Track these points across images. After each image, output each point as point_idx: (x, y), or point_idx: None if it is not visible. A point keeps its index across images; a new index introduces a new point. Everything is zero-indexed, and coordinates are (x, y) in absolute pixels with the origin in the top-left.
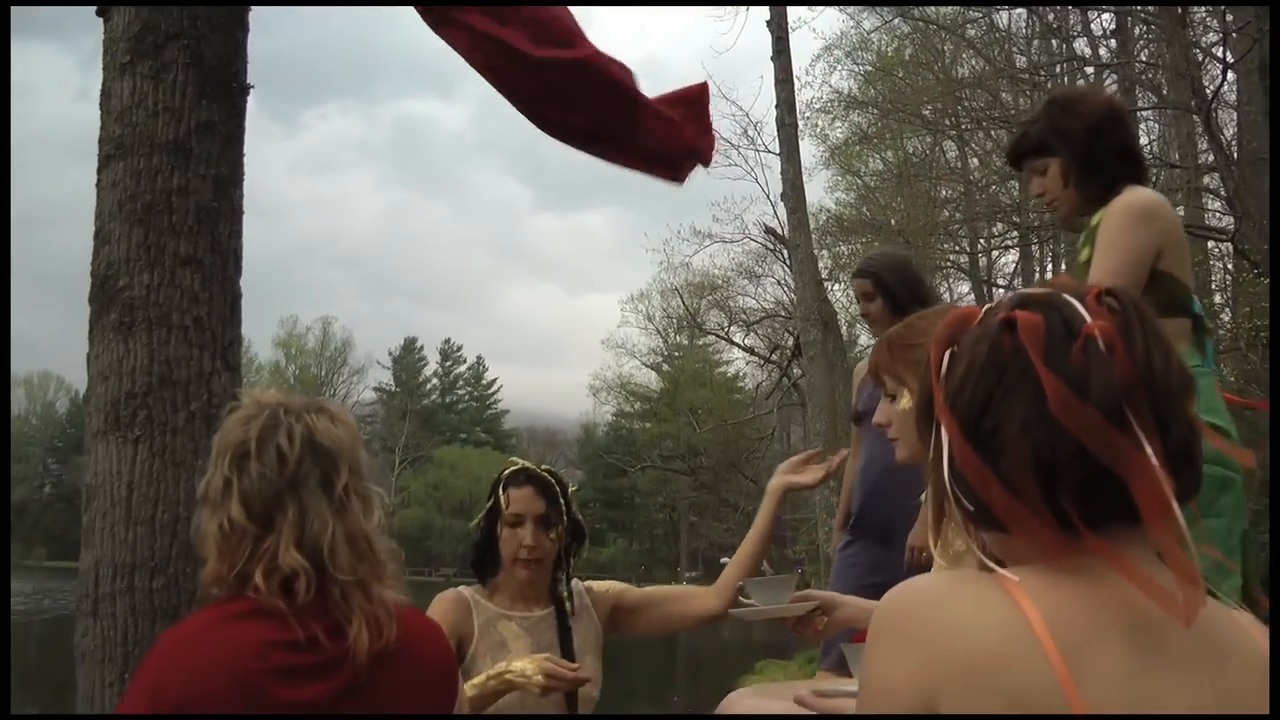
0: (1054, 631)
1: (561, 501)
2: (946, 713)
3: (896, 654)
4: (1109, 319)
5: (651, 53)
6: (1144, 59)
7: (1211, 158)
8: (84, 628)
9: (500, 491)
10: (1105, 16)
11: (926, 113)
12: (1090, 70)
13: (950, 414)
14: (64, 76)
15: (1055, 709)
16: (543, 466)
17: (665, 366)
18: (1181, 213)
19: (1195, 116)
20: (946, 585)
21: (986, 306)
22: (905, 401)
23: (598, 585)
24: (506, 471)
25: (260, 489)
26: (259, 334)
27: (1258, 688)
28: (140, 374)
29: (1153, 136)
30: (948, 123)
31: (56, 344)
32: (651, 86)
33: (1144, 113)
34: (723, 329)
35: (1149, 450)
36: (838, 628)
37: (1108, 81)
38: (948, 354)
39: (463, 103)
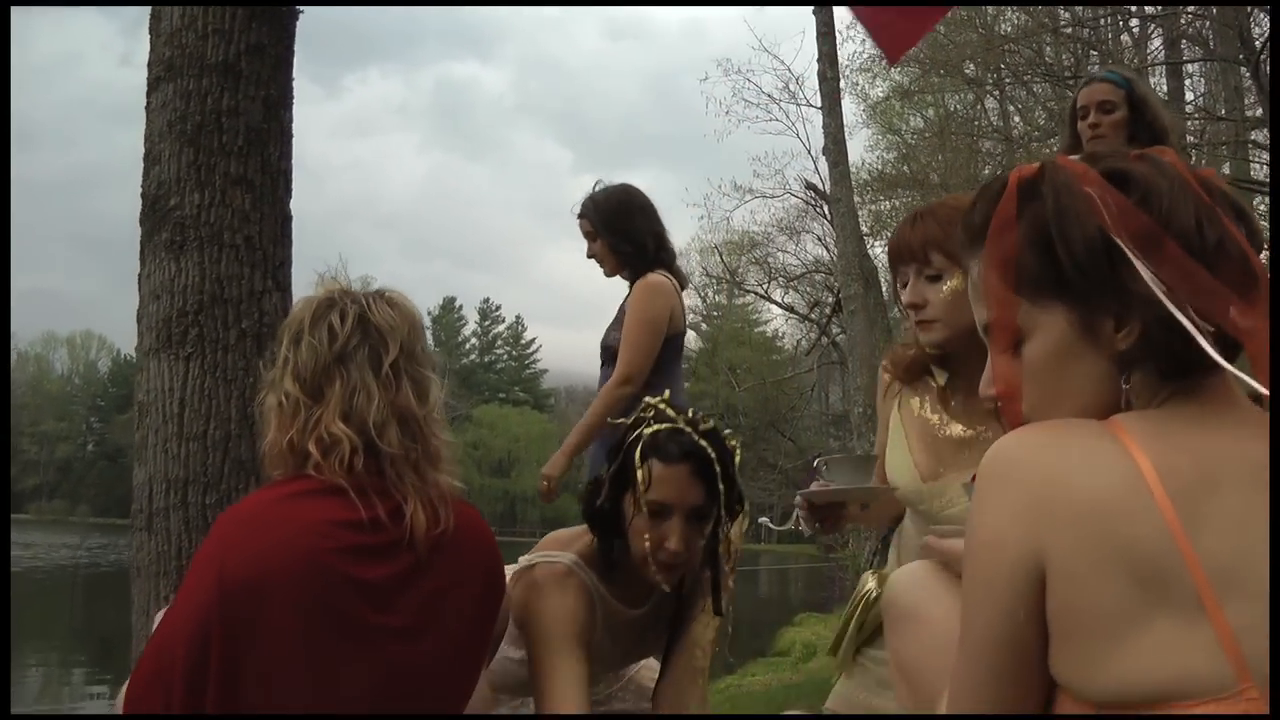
0: (1164, 478)
1: (723, 483)
2: (1055, 565)
3: (1005, 503)
4: None
5: (693, 15)
6: (1191, 11)
7: (1260, 111)
8: (139, 543)
9: (638, 459)
10: None
11: (969, 70)
12: (1135, 23)
13: (1165, 234)
14: (107, 41)
15: (1166, 557)
16: (700, 421)
17: (704, 326)
18: (1228, 169)
19: (1243, 69)
20: (1056, 433)
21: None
22: (956, 281)
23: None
24: (649, 432)
25: (310, 361)
26: (298, 292)
27: None
28: (192, 292)
29: (1199, 91)
30: (990, 79)
31: (99, 304)
32: (694, 47)
33: (1190, 66)
34: (762, 287)
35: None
36: (869, 521)
37: (1153, 35)
38: (1113, 200)
39: (502, 65)
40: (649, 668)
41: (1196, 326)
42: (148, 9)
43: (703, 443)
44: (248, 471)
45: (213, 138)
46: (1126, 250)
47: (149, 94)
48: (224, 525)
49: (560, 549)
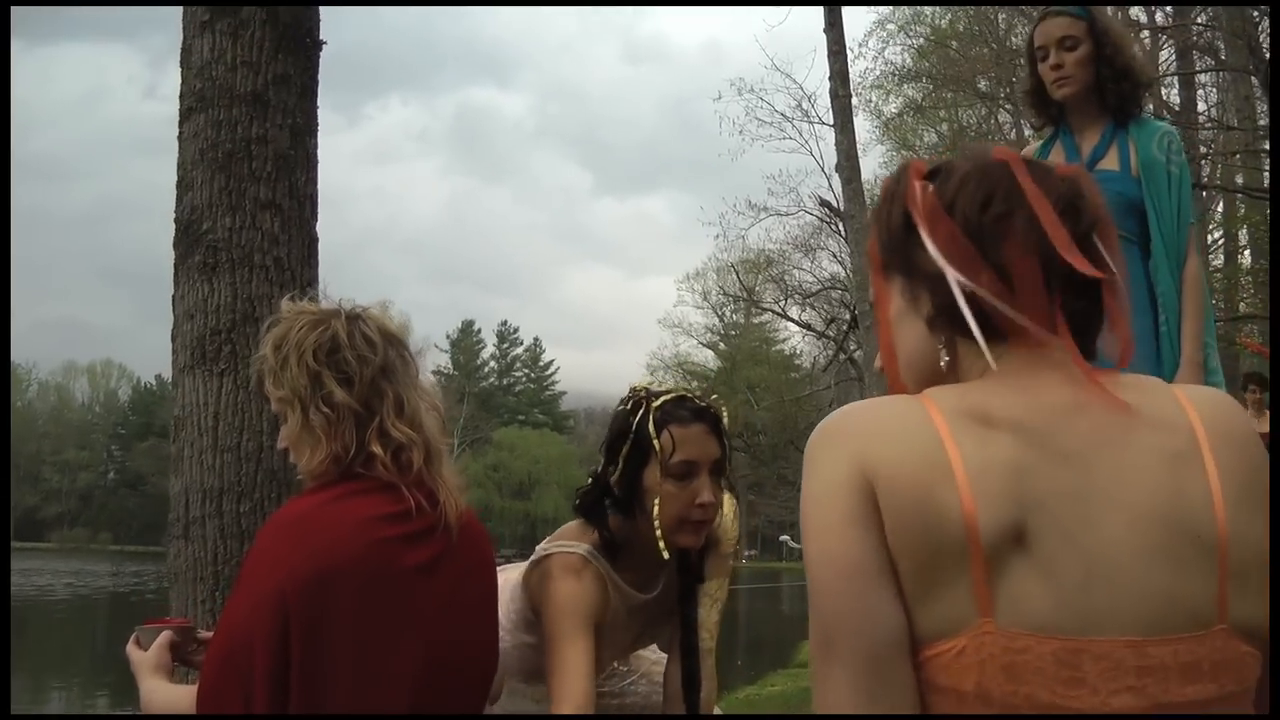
0: (963, 451)
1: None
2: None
3: (837, 457)
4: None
5: (712, 38)
6: (1201, 22)
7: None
8: (176, 550)
9: (652, 430)
10: None
11: (981, 85)
12: (1145, 35)
13: (949, 215)
14: (133, 74)
15: (954, 523)
16: (695, 390)
17: (722, 345)
18: (1240, 179)
19: (1254, 78)
20: (872, 404)
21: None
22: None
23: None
24: (658, 403)
25: (361, 372)
26: None
27: (1159, 459)
28: (224, 311)
29: (1210, 102)
30: (1002, 93)
31: (119, 333)
32: (712, 68)
33: (1202, 76)
34: (778, 304)
35: (1116, 274)
36: None
37: (1164, 45)
38: (919, 186)
39: (521, 90)
40: (659, 662)
41: (972, 297)
42: (175, 42)
43: (698, 396)
44: (279, 481)
45: (243, 164)
46: (918, 226)
47: (181, 124)
48: (278, 529)
49: (574, 540)
